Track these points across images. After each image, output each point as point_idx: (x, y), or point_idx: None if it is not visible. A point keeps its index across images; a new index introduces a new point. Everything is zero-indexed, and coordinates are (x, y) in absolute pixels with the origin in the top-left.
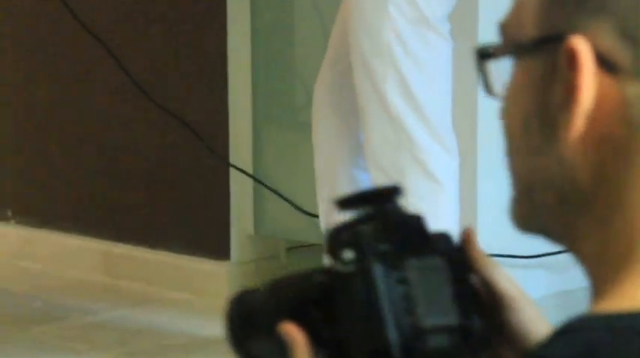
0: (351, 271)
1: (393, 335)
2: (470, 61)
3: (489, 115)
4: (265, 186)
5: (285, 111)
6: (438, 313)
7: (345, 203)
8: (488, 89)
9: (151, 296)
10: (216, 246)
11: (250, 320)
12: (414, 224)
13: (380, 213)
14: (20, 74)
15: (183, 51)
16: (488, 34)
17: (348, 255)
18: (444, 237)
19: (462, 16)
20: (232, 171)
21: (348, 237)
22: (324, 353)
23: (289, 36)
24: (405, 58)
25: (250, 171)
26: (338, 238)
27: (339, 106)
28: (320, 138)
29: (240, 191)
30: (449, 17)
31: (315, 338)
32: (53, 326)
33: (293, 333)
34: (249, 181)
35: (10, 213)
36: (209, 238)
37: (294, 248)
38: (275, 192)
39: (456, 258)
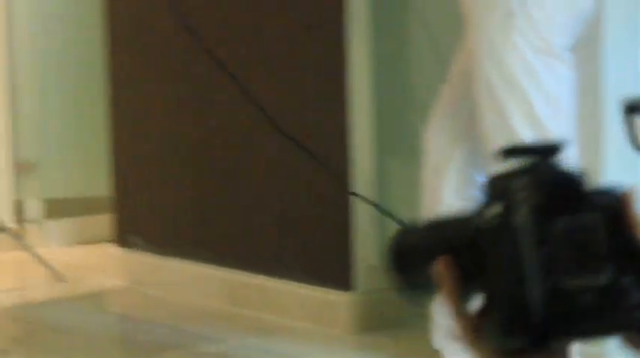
0: (496, 225)
1: (534, 294)
2: (591, 90)
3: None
4: (389, 215)
5: (409, 140)
6: (584, 272)
7: (507, 152)
8: (634, 142)
9: (274, 325)
10: (339, 276)
11: (409, 253)
12: (572, 180)
13: (536, 167)
14: (148, 102)
15: (306, 79)
16: (611, 64)
17: (496, 208)
18: (607, 193)
19: (585, 45)
20: (356, 200)
21: (498, 189)
22: (473, 293)
23: (409, 64)
24: (533, 88)
25: (374, 200)
26: (489, 190)
27: (456, 131)
28: (434, 165)
29: (364, 220)
30: (572, 47)
31: (466, 280)
32: (180, 353)
33: (444, 270)
34: (373, 211)
35: (136, 241)
36: (333, 268)
37: None
38: (399, 221)
39: (618, 215)
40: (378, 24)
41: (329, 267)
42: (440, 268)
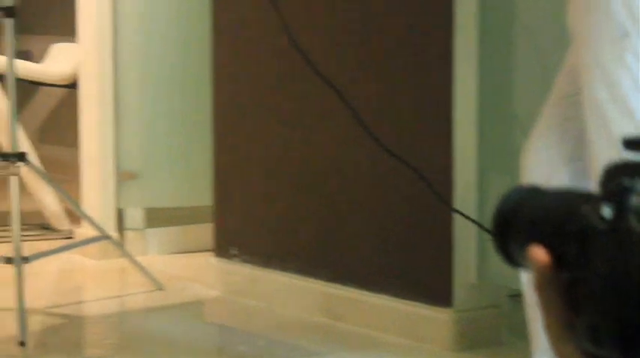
0: (607, 228)
1: None
2: None
3: None
4: (490, 232)
5: (511, 156)
6: None
7: (630, 143)
8: None
9: (371, 340)
10: (438, 293)
11: (515, 220)
12: None
13: None
14: (251, 115)
15: (410, 95)
16: None
17: (607, 211)
18: None
19: None
20: (457, 216)
21: (614, 185)
22: (567, 281)
23: (513, 78)
24: None
25: (475, 217)
26: (605, 182)
27: (561, 151)
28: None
29: (465, 237)
30: None
31: (563, 267)
32: None
33: (539, 256)
34: (474, 227)
35: (235, 251)
36: (431, 284)
37: (517, 296)
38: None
39: None
40: (484, 39)
41: (429, 282)
42: (536, 255)
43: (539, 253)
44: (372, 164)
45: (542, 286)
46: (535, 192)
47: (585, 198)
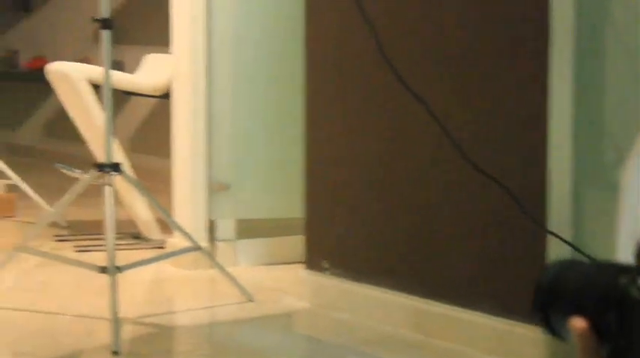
0: None
1: None
2: None
3: None
4: (584, 254)
5: (606, 176)
6: None
7: None
8: None
9: (462, 356)
10: (530, 311)
11: (556, 293)
12: None
13: None
14: (344, 129)
15: (503, 113)
16: None
17: None
18: None
19: None
20: (551, 237)
21: None
22: (609, 351)
23: (608, 95)
24: None
25: (570, 235)
26: (638, 260)
27: None
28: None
29: (558, 255)
30: None
31: (604, 337)
32: None
33: (580, 327)
34: (567, 248)
35: (326, 265)
36: (524, 302)
37: None
38: (592, 260)
39: None
40: (579, 56)
41: (520, 300)
42: (577, 326)
43: (580, 324)
44: (464, 181)
45: (585, 356)
46: (574, 265)
47: (623, 269)
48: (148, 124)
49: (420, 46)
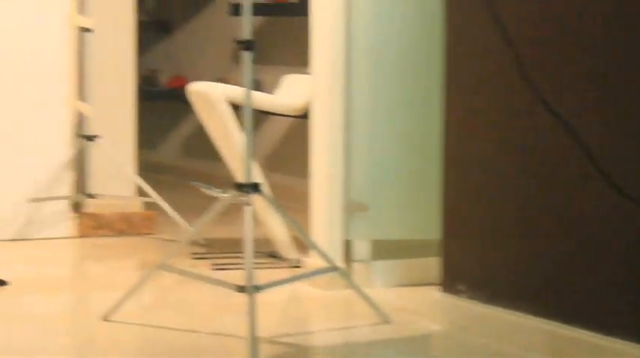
0: None
1: None
2: None
3: None
4: None
5: None
6: None
7: None
8: None
9: None
10: None
11: None
12: None
13: None
14: (484, 150)
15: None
16: None
17: None
18: None
19: None
20: None
21: None
22: None
23: None
24: None
25: None
26: None
27: None
28: None
29: None
30: None
31: None
32: None
33: None
34: None
35: (462, 287)
36: None
37: None
38: None
39: None
40: None
41: None
42: None
43: None
44: (604, 204)
45: None
46: None
47: None
48: (283, 143)
49: (562, 64)
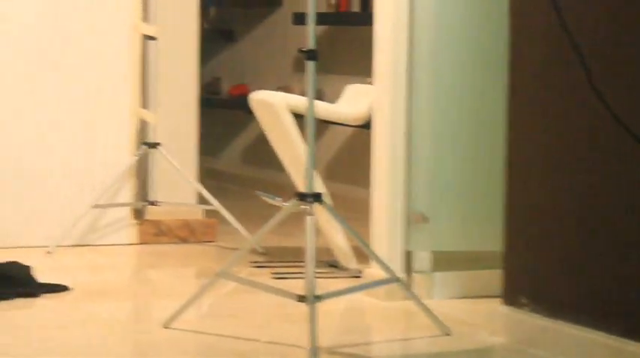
0: None
1: None
2: None
3: None
4: None
5: None
6: None
7: None
8: None
9: None
10: None
11: None
12: None
13: None
14: (547, 162)
15: None
16: None
17: None
18: None
19: None
20: None
21: None
22: None
23: None
24: None
25: None
26: None
27: None
28: None
29: None
30: None
31: None
32: None
33: None
34: None
35: (524, 300)
36: None
37: None
38: None
39: None
40: None
41: None
42: None
43: None
44: None
45: None
46: None
47: None
48: (344, 153)
49: (632, 76)
